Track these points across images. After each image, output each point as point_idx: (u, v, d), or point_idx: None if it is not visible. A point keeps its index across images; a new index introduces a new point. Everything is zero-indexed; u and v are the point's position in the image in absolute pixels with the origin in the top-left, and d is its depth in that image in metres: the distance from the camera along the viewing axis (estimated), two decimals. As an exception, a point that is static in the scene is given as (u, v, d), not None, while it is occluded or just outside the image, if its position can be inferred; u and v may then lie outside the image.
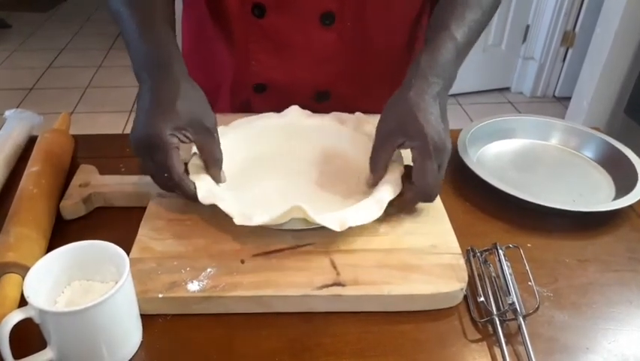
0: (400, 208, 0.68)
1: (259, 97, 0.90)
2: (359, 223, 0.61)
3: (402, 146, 0.66)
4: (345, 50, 0.85)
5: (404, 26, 0.88)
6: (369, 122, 0.77)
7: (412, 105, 0.64)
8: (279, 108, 0.83)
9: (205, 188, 0.65)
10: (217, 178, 0.68)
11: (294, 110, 0.82)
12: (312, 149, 0.79)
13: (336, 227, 0.60)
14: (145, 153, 0.63)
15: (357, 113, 0.81)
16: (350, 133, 0.79)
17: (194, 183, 0.64)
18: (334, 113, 0.82)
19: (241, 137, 0.77)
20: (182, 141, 0.63)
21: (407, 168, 0.70)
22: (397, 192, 0.66)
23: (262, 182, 0.73)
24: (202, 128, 0.64)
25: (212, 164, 0.67)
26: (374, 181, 0.68)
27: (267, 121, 0.80)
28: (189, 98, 0.64)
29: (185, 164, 0.67)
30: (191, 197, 0.64)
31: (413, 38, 0.90)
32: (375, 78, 0.90)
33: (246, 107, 0.93)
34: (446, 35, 0.70)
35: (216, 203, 0.62)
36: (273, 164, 0.76)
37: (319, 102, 0.90)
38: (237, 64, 0.88)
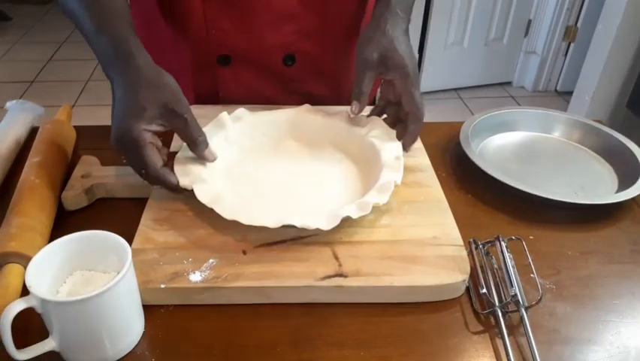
0: (408, 142, 0.73)
1: (225, 73, 0.88)
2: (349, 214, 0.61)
3: (381, 75, 0.73)
4: (307, 9, 0.84)
5: None
6: (367, 119, 0.78)
7: (390, 38, 0.71)
8: (246, 84, 0.82)
9: (187, 182, 0.65)
10: (203, 157, 0.68)
11: (292, 108, 0.81)
12: (308, 144, 0.78)
13: (323, 226, 0.60)
14: (122, 152, 0.64)
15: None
16: (346, 127, 0.78)
17: (174, 175, 0.65)
18: (329, 108, 0.81)
19: (238, 130, 0.76)
20: (158, 131, 0.64)
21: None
22: (385, 200, 0.64)
23: (257, 177, 0.73)
24: (171, 113, 0.63)
25: (192, 145, 0.67)
26: (358, 110, 0.74)
27: (264, 116, 0.79)
28: (154, 86, 0.64)
29: (173, 155, 0.69)
30: (173, 189, 0.65)
31: None
32: (336, 33, 0.90)
33: (212, 91, 0.91)
34: None
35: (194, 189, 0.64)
36: (268, 158, 0.76)
37: (288, 67, 0.89)
38: (196, 42, 0.86)
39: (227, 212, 0.61)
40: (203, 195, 0.63)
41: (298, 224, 0.59)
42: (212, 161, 0.69)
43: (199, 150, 0.67)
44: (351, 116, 0.75)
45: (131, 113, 0.62)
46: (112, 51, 0.65)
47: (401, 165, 0.69)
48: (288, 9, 0.84)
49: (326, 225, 0.60)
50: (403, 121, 0.75)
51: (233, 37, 0.85)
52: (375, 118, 0.77)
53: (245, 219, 0.60)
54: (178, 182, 0.65)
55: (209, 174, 0.68)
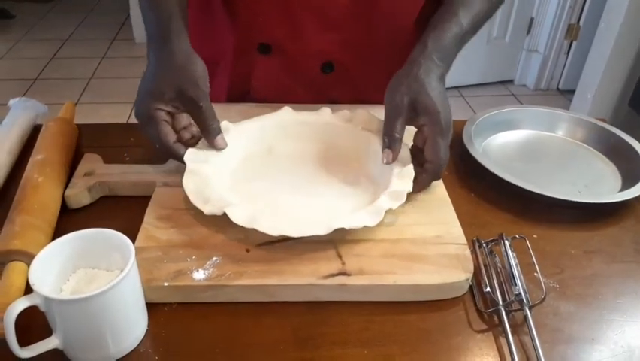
0: (416, 190, 0.67)
1: (262, 62, 0.88)
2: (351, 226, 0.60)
3: (412, 121, 0.68)
4: (355, 18, 0.83)
5: (416, 4, 0.87)
6: (367, 116, 0.77)
7: (422, 83, 0.67)
8: (279, 80, 0.81)
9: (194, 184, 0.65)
10: (213, 145, 0.70)
11: (288, 109, 0.80)
12: (309, 147, 0.78)
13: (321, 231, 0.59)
14: (142, 127, 0.69)
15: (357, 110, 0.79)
16: (350, 129, 0.77)
17: (185, 149, 0.69)
18: (328, 108, 0.81)
19: (239, 135, 0.75)
20: (174, 112, 0.69)
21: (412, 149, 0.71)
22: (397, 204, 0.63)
23: (257, 180, 0.72)
24: (187, 98, 0.67)
25: (204, 131, 0.70)
26: (393, 159, 0.68)
27: (263, 121, 0.79)
28: (178, 70, 0.68)
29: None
30: (182, 162, 0.68)
31: (422, 21, 0.89)
32: (379, 52, 0.88)
33: (246, 78, 0.90)
34: (454, 21, 0.71)
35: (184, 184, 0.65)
36: (269, 162, 0.76)
37: (324, 74, 0.89)
38: (241, 25, 0.86)
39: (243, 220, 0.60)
40: (236, 216, 0.61)
41: (330, 229, 0.58)
42: (223, 148, 0.71)
43: (210, 136, 0.70)
44: (384, 164, 0.68)
45: (150, 92, 0.68)
46: (154, 29, 0.71)
47: (411, 171, 0.68)
48: (335, 17, 0.83)
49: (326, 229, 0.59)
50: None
51: (277, 28, 0.85)
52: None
53: (266, 228, 0.59)
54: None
55: (221, 190, 0.66)
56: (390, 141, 0.68)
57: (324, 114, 0.80)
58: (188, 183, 0.65)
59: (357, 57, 0.88)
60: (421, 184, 0.68)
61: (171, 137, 0.69)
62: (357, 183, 0.71)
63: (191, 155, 0.69)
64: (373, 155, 0.72)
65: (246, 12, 0.85)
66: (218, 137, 0.70)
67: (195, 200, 0.63)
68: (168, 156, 0.71)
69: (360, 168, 0.74)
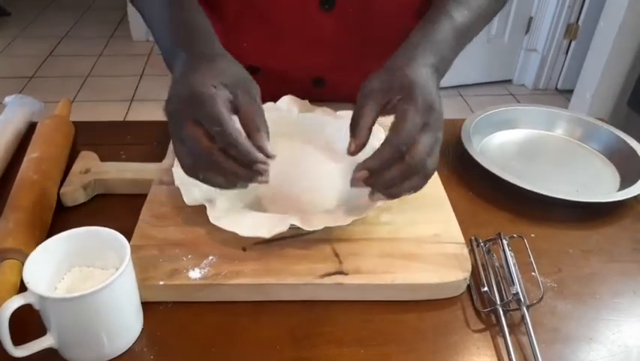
0: (369, 164, 0.55)
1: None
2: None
3: (386, 106, 0.57)
4: (341, 38, 0.83)
5: (405, 18, 0.85)
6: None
7: (400, 66, 0.58)
8: (273, 94, 0.81)
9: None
10: (260, 148, 0.54)
11: (285, 102, 0.80)
12: (297, 143, 0.77)
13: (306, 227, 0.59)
14: (186, 115, 0.53)
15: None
16: (341, 126, 0.77)
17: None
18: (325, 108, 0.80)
19: None
20: (231, 101, 0.55)
21: None
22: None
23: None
24: (246, 92, 0.56)
25: (253, 130, 0.55)
26: (355, 148, 0.56)
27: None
28: (233, 62, 0.59)
29: None
30: (252, 159, 0.53)
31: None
32: (371, 66, 0.87)
33: None
34: (442, 14, 0.66)
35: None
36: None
37: (316, 87, 0.88)
38: (229, 42, 0.85)
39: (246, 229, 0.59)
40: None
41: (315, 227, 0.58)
42: (271, 158, 0.55)
43: (258, 135, 0.54)
44: (348, 155, 0.57)
45: (206, 72, 0.55)
46: (187, 30, 0.62)
47: None
48: (322, 38, 0.82)
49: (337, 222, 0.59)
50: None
51: (262, 53, 0.84)
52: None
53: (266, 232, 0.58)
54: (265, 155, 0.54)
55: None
56: (353, 129, 0.57)
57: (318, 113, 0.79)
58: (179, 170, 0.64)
59: (349, 73, 0.84)
60: (375, 158, 0.54)
61: (235, 121, 0.53)
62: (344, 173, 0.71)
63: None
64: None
65: (230, 36, 0.83)
66: (265, 140, 0.55)
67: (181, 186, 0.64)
68: (234, 151, 0.53)
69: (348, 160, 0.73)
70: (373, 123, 0.57)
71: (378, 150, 0.55)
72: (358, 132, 0.56)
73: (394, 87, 0.56)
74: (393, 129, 0.54)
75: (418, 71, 0.57)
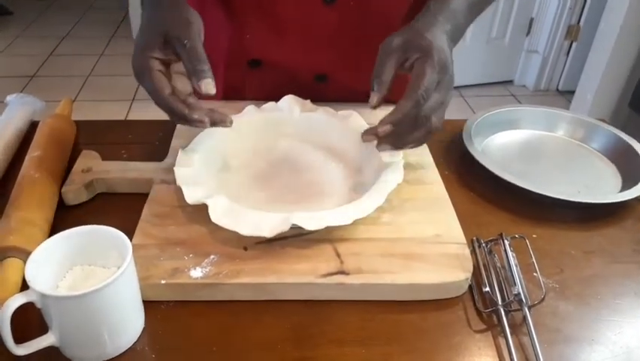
0: (390, 119, 0.63)
1: (254, 75, 0.88)
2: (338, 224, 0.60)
3: (405, 63, 0.64)
4: (344, 33, 0.83)
5: (405, 11, 0.86)
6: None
7: (418, 29, 0.65)
8: (274, 89, 0.81)
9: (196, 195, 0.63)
10: (200, 90, 0.62)
11: (287, 102, 0.80)
12: (297, 143, 0.77)
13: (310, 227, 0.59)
14: (140, 82, 0.64)
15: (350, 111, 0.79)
16: (342, 126, 0.77)
17: (182, 104, 0.63)
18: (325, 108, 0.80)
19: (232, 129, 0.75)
20: (166, 59, 0.64)
21: None
22: (381, 201, 0.63)
23: (249, 180, 0.72)
24: (173, 40, 0.63)
25: (190, 73, 0.62)
26: (377, 100, 0.64)
27: (258, 115, 0.79)
28: (168, 13, 0.65)
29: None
30: (182, 117, 0.63)
31: None
32: (371, 67, 0.87)
33: (240, 90, 0.90)
34: None
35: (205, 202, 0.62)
36: (261, 158, 0.75)
37: (318, 83, 0.88)
38: (233, 34, 0.86)
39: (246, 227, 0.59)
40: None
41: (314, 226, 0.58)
42: (210, 94, 0.62)
43: (195, 79, 0.62)
44: (370, 108, 0.64)
45: (141, 45, 0.64)
46: None
47: (400, 164, 0.68)
48: (325, 32, 0.82)
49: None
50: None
51: (265, 46, 0.84)
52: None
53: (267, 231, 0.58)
54: (187, 112, 0.62)
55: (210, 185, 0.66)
56: (376, 83, 0.64)
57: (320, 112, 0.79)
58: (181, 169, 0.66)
59: (351, 68, 0.87)
60: (398, 112, 0.62)
61: (167, 88, 0.63)
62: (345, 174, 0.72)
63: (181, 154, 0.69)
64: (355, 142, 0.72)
65: (234, 28, 0.85)
66: (205, 80, 0.61)
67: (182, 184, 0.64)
68: (166, 112, 0.64)
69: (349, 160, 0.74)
70: (393, 78, 0.64)
71: (399, 104, 0.62)
72: (380, 85, 0.64)
73: (413, 47, 0.63)
74: (412, 85, 0.61)
75: (436, 35, 0.64)
